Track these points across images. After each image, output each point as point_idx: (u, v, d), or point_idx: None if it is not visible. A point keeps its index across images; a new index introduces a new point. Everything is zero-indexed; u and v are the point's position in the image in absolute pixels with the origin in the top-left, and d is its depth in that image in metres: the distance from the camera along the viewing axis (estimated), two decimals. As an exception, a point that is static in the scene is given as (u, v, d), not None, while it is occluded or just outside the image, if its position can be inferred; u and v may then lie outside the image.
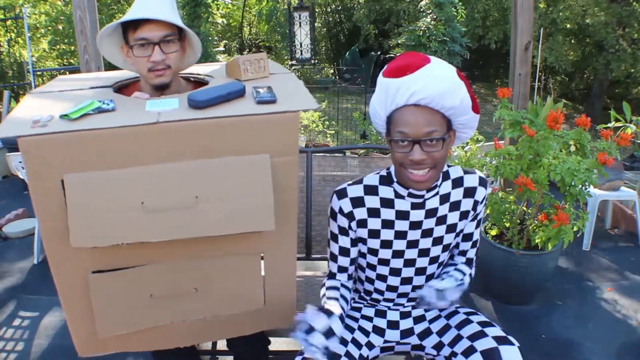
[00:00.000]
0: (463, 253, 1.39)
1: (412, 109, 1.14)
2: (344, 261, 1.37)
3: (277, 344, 1.87)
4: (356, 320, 1.40)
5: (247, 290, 1.27)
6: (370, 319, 1.42)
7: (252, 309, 1.30)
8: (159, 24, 1.29)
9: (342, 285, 1.36)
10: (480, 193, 1.31)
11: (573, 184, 2.25)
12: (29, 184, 1.04)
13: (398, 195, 1.28)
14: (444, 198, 1.29)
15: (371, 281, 1.38)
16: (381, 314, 1.42)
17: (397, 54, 1.28)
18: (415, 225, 1.29)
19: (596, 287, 2.82)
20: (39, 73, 7.72)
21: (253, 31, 18.52)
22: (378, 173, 1.32)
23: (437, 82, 1.11)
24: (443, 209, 1.29)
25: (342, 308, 1.25)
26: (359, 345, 1.32)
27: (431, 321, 1.40)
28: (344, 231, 1.33)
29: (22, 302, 2.61)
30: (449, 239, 1.33)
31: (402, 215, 1.29)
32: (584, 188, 2.33)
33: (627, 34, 10.12)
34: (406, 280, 1.35)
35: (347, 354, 1.25)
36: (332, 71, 15.83)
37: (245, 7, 16.25)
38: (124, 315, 1.20)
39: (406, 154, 1.15)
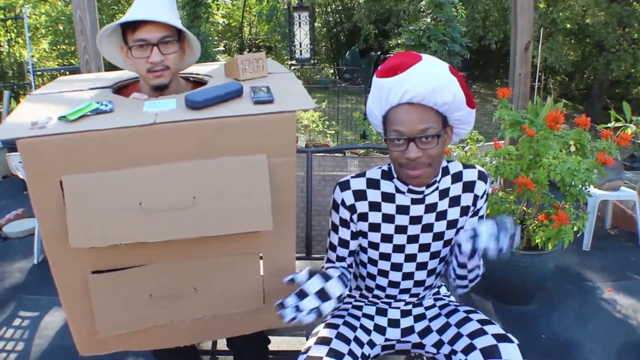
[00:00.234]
0: None
1: (406, 107, 1.15)
2: (342, 252, 1.38)
3: (277, 343, 1.87)
4: (358, 318, 1.41)
5: (246, 290, 1.27)
6: (371, 318, 1.42)
7: (251, 309, 1.30)
8: (157, 25, 1.29)
9: (342, 267, 1.37)
10: (480, 187, 1.31)
11: (573, 184, 2.25)
12: (28, 185, 1.04)
13: (398, 191, 1.30)
14: (444, 193, 1.30)
15: (372, 277, 1.38)
16: (382, 312, 1.42)
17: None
18: (415, 220, 1.30)
19: (596, 287, 2.82)
20: (39, 73, 7.73)
21: (253, 31, 18.54)
22: (380, 167, 1.34)
23: (428, 79, 1.11)
24: (443, 204, 1.30)
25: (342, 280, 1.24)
26: (361, 344, 1.33)
27: (431, 319, 1.40)
28: (344, 223, 1.34)
29: (22, 302, 2.61)
30: (450, 234, 1.33)
31: (403, 210, 1.30)
32: (584, 188, 2.33)
33: (627, 34, 10.11)
34: (407, 276, 1.35)
35: (350, 352, 1.25)
36: (332, 71, 15.83)
37: (245, 7, 16.26)
38: (123, 315, 1.20)
39: (402, 152, 1.16)
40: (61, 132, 1.01)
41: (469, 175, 1.31)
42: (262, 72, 1.30)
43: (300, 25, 6.86)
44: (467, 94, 1.17)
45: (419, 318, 1.41)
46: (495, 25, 11.85)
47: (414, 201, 1.29)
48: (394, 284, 1.37)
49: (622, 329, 2.40)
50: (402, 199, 1.29)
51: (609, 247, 3.37)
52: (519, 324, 2.45)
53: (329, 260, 1.41)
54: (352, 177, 1.33)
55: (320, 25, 16.36)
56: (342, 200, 1.32)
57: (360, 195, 1.31)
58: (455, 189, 1.30)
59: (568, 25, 11.01)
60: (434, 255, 1.34)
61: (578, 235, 2.54)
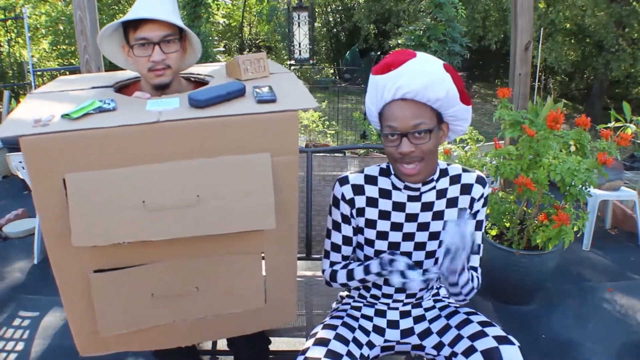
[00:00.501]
0: (466, 259, 1.37)
1: (399, 103, 1.17)
2: (347, 250, 1.39)
3: (277, 343, 1.87)
4: (356, 319, 1.40)
5: (248, 290, 1.27)
6: (370, 319, 1.42)
7: (252, 308, 1.30)
8: (159, 24, 1.29)
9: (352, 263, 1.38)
10: (477, 191, 1.32)
11: (573, 184, 2.25)
12: (31, 183, 1.04)
13: (395, 187, 1.31)
14: (441, 193, 1.31)
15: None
16: (381, 313, 1.42)
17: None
18: (411, 217, 1.31)
19: (596, 287, 2.82)
20: (39, 73, 7.72)
21: (253, 31, 18.54)
22: (379, 165, 1.35)
23: (421, 75, 1.13)
24: (440, 204, 1.31)
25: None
26: (359, 345, 1.33)
27: (431, 321, 1.40)
28: (346, 219, 1.35)
29: (22, 302, 2.61)
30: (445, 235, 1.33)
31: (399, 206, 1.31)
32: (584, 188, 2.33)
33: (627, 34, 10.12)
34: None
35: (349, 353, 1.25)
36: (332, 71, 15.84)
37: (245, 7, 16.26)
38: (125, 315, 1.20)
39: (396, 147, 1.18)
40: (64, 130, 1.01)
41: (468, 178, 1.32)
42: (264, 72, 1.30)
43: (299, 25, 6.87)
44: (461, 90, 1.18)
45: (418, 319, 1.41)
46: (495, 25, 11.86)
47: (410, 198, 1.30)
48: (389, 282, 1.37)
49: (622, 329, 2.40)
50: (399, 196, 1.31)
51: (609, 247, 3.38)
52: (519, 324, 2.45)
53: (333, 263, 1.40)
54: (350, 173, 1.35)
55: (320, 25, 16.37)
56: (342, 195, 1.33)
57: (358, 189, 1.32)
58: (453, 191, 1.31)
59: (568, 25, 11.02)
60: (429, 255, 1.34)
61: (578, 235, 2.55)
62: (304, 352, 1.23)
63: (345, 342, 1.28)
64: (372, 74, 1.21)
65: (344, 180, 1.33)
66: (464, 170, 1.33)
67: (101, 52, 1.51)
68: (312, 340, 1.27)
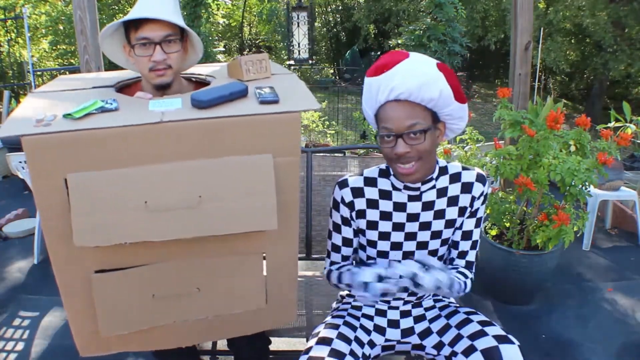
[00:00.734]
0: (462, 255, 1.38)
1: (393, 104, 1.17)
2: (347, 251, 1.40)
3: (277, 343, 1.87)
4: (357, 319, 1.41)
5: (249, 290, 1.27)
6: (371, 318, 1.42)
7: (253, 309, 1.30)
8: (160, 24, 1.29)
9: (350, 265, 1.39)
10: (477, 189, 1.32)
11: (573, 184, 2.25)
12: (32, 183, 1.04)
13: (395, 188, 1.32)
14: (441, 192, 1.31)
15: None
16: (381, 313, 1.43)
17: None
18: (412, 217, 1.32)
19: (596, 287, 2.82)
20: (39, 73, 7.72)
21: (253, 31, 18.53)
22: (378, 167, 1.36)
23: (414, 76, 1.14)
24: (440, 203, 1.31)
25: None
26: (361, 344, 1.33)
27: (431, 321, 1.40)
28: (346, 221, 1.36)
29: (22, 302, 2.60)
30: (447, 233, 1.34)
31: (400, 207, 1.32)
32: (584, 188, 2.33)
33: (625, 34, 10.12)
34: None
35: (351, 352, 1.26)
36: (332, 71, 15.84)
37: (245, 7, 16.25)
38: (126, 315, 1.20)
39: (392, 149, 1.19)
40: (67, 130, 1.01)
41: (468, 176, 1.33)
42: (266, 73, 1.30)
43: (299, 25, 6.86)
44: (456, 89, 1.18)
45: (418, 319, 1.42)
46: (495, 25, 11.87)
47: (411, 198, 1.31)
48: None
49: (622, 329, 2.40)
50: (399, 196, 1.31)
51: (609, 247, 3.38)
52: (519, 324, 2.45)
53: (333, 263, 1.42)
54: (349, 175, 1.36)
55: (320, 25, 16.38)
56: (342, 198, 1.34)
57: (358, 192, 1.33)
58: (454, 189, 1.32)
59: (568, 25, 11.02)
60: (432, 254, 1.35)
61: (578, 235, 2.55)
62: (307, 351, 1.23)
63: (347, 341, 1.28)
64: (366, 76, 1.21)
65: (343, 184, 1.34)
66: (464, 169, 1.34)
67: (102, 52, 1.50)
68: (314, 340, 1.27)
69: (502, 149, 2.51)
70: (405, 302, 1.42)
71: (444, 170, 1.32)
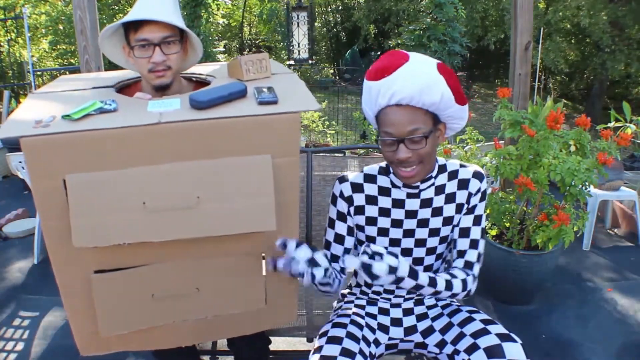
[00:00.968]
0: (461, 254, 1.33)
1: (394, 109, 1.17)
2: (337, 249, 1.39)
3: (277, 343, 1.87)
4: (362, 317, 1.41)
5: (248, 290, 1.27)
6: (374, 317, 1.43)
7: (253, 309, 1.30)
8: (159, 25, 1.29)
9: (332, 269, 1.35)
10: (474, 185, 1.32)
11: (573, 184, 2.25)
12: (31, 184, 1.04)
13: (394, 185, 1.33)
14: (439, 189, 1.32)
15: None
16: (384, 311, 1.43)
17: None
18: (411, 214, 1.32)
19: (596, 287, 2.82)
20: (39, 73, 7.72)
21: (253, 31, 18.53)
22: (378, 164, 1.37)
23: (415, 81, 1.13)
24: (438, 200, 1.32)
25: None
26: (368, 343, 1.33)
27: (434, 319, 1.40)
28: (342, 217, 1.37)
29: (22, 302, 2.61)
30: (445, 231, 1.34)
31: (398, 204, 1.32)
32: (584, 188, 2.33)
33: (624, 34, 10.11)
34: None
35: (360, 351, 1.26)
36: (332, 71, 15.84)
37: (245, 7, 16.25)
38: (125, 315, 1.20)
39: (393, 153, 1.19)
40: (65, 131, 1.01)
41: (465, 173, 1.33)
42: (266, 72, 1.30)
43: (298, 25, 6.86)
44: (457, 91, 1.18)
45: (421, 317, 1.42)
46: (495, 25, 11.86)
47: (410, 195, 1.32)
48: None
49: (622, 329, 2.40)
50: (398, 193, 1.32)
51: (609, 247, 3.38)
52: (519, 324, 2.45)
53: None
54: (350, 172, 1.37)
55: (320, 25, 16.38)
56: (341, 192, 1.35)
57: (357, 187, 1.34)
58: (451, 186, 1.33)
59: (568, 26, 11.02)
60: (430, 252, 1.35)
61: (578, 235, 2.55)
62: (317, 350, 1.23)
63: (356, 340, 1.28)
64: (365, 79, 1.21)
65: (343, 179, 1.36)
66: (461, 166, 1.34)
67: (102, 52, 1.50)
68: (324, 339, 1.27)
69: (502, 149, 2.51)
70: (407, 299, 1.42)
71: (442, 169, 1.33)
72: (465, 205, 1.34)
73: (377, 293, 1.42)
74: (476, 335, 1.24)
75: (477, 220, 1.35)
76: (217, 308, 1.26)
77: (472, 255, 1.33)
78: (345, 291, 1.54)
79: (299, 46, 6.94)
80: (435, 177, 1.31)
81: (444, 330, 1.35)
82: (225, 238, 1.13)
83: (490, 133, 6.60)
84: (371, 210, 1.34)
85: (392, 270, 1.11)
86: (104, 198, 1.04)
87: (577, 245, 3.28)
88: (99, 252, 1.11)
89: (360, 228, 1.37)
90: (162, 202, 1.06)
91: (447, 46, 7.04)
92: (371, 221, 1.34)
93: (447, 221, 1.33)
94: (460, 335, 1.28)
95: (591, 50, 11.17)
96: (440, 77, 1.15)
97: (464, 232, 1.35)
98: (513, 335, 1.22)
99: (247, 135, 1.08)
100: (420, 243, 1.34)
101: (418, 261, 1.36)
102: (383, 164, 1.36)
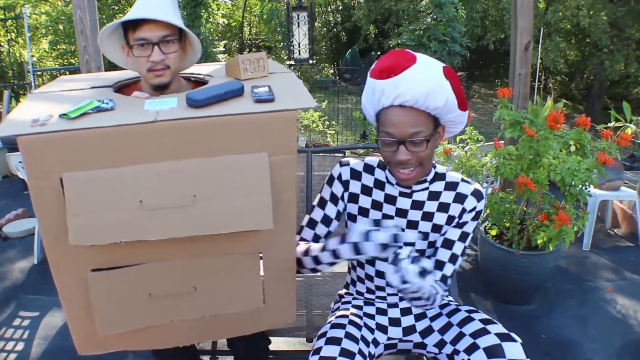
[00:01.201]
0: (440, 265, 1.31)
1: (397, 109, 1.16)
2: (322, 230, 1.39)
3: (277, 343, 1.87)
4: (360, 318, 1.41)
5: (245, 290, 1.26)
6: (372, 317, 1.42)
7: (251, 309, 1.29)
8: (158, 24, 1.29)
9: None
10: (470, 202, 1.31)
11: (573, 184, 2.25)
12: (28, 182, 1.04)
13: (389, 181, 1.34)
14: (433, 195, 1.32)
15: (362, 266, 1.40)
16: (382, 312, 1.43)
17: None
18: (401, 212, 1.33)
19: (596, 287, 2.82)
20: (39, 73, 7.72)
21: (253, 31, 18.53)
22: (379, 158, 1.37)
23: (422, 84, 1.12)
24: (430, 205, 1.32)
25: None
26: (367, 343, 1.33)
27: (432, 319, 1.40)
28: (334, 199, 1.37)
29: (22, 302, 2.61)
30: (434, 237, 1.34)
31: (390, 199, 1.33)
32: (584, 188, 2.33)
33: (623, 35, 10.11)
34: None
35: (359, 351, 1.25)
36: (332, 71, 15.84)
37: (245, 7, 16.25)
38: (123, 314, 1.20)
39: (392, 153, 1.19)
40: (62, 130, 1.01)
41: (464, 188, 1.32)
42: (263, 71, 1.30)
43: (299, 25, 6.86)
44: (460, 96, 1.18)
45: (419, 317, 1.41)
46: (494, 25, 11.86)
47: (402, 194, 1.32)
48: (380, 274, 1.38)
49: (622, 329, 2.40)
50: (391, 189, 1.33)
51: (609, 247, 3.38)
52: (519, 324, 2.45)
53: (302, 239, 1.39)
54: (352, 158, 1.38)
55: (320, 25, 16.38)
56: (339, 174, 1.36)
57: (356, 174, 1.35)
58: (447, 196, 1.32)
59: (568, 26, 11.01)
60: (419, 253, 1.34)
61: (578, 235, 2.55)
62: (317, 351, 1.23)
63: (355, 340, 1.28)
64: (369, 76, 1.20)
65: (344, 162, 1.37)
66: (463, 180, 1.33)
67: (101, 52, 1.50)
68: (323, 340, 1.26)
69: (502, 149, 2.51)
70: (402, 299, 1.41)
71: (440, 177, 1.33)
72: (456, 219, 1.33)
73: (370, 291, 1.42)
74: (476, 335, 1.24)
75: (463, 237, 1.33)
76: (214, 307, 1.26)
77: (449, 270, 1.32)
78: (342, 292, 1.54)
79: (299, 46, 6.94)
80: (431, 182, 1.31)
81: (443, 330, 1.34)
82: (222, 237, 1.12)
83: (490, 133, 6.59)
84: (364, 201, 1.35)
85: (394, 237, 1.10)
86: (100, 196, 1.04)
87: (577, 245, 3.27)
88: (96, 250, 1.10)
89: (352, 217, 1.37)
90: (159, 200, 1.06)
91: (447, 46, 7.03)
92: (363, 212, 1.35)
93: (436, 228, 1.33)
94: (460, 335, 1.27)
95: (591, 50, 11.17)
96: (447, 82, 1.15)
97: (448, 244, 1.33)
98: (513, 334, 1.22)
99: (244, 133, 1.08)
100: (409, 243, 1.33)
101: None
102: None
